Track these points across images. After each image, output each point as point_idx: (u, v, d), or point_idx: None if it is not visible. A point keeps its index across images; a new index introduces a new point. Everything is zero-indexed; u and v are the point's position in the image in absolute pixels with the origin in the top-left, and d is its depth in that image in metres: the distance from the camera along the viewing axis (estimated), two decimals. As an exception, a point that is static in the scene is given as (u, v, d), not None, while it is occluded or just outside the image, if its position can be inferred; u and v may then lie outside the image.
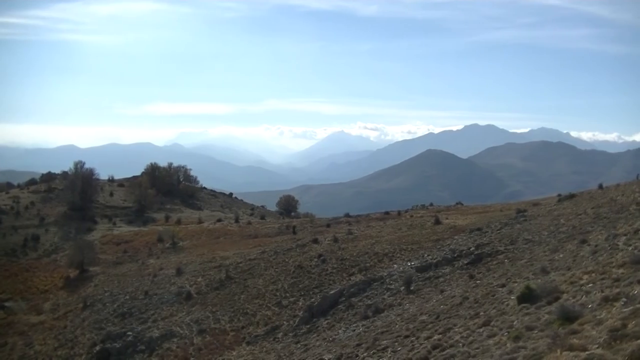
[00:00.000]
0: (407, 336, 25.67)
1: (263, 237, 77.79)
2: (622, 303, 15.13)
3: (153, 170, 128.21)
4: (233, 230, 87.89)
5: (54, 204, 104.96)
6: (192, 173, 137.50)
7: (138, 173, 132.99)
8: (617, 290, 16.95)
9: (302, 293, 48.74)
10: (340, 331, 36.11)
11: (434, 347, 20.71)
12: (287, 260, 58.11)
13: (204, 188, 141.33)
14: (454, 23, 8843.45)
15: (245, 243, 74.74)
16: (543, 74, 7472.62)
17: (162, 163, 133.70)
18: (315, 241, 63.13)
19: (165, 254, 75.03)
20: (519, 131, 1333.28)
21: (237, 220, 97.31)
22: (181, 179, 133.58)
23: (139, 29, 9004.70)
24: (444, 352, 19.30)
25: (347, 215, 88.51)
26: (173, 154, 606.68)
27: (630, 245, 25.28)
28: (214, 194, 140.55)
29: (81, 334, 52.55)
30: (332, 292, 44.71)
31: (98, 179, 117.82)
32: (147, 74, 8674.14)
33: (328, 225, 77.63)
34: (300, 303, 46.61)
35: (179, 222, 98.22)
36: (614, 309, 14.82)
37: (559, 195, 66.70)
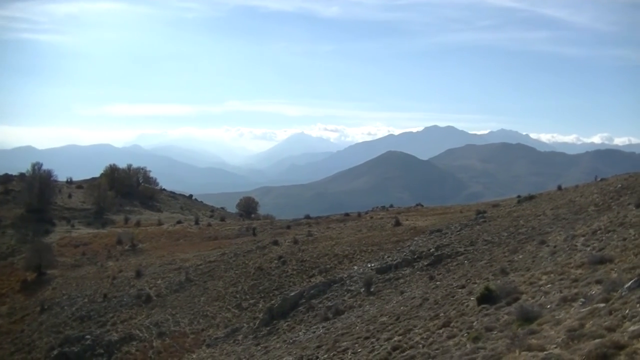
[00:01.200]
0: (367, 337, 25.72)
1: (223, 239, 77.31)
2: (580, 303, 15.31)
3: (112, 172, 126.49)
4: (193, 232, 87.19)
5: (11, 206, 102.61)
6: (152, 174, 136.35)
7: (97, 175, 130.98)
8: (576, 290, 17.15)
9: (262, 295, 48.59)
10: (300, 333, 36.08)
11: (394, 349, 20.77)
12: (247, 262, 57.84)
13: (164, 190, 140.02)
14: (415, 25, 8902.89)
15: (205, 245, 74.25)
16: (503, 76, 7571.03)
17: (122, 164, 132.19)
18: (276, 243, 62.98)
19: (124, 256, 73.95)
20: (478, 133, 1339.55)
21: (197, 222, 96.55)
22: (141, 181, 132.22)
23: (97, 29, 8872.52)
24: (404, 354, 19.36)
25: (307, 216, 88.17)
26: (132, 155, 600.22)
27: (588, 246, 25.65)
28: (173, 195, 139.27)
29: (39, 338, 51.56)
30: (292, 293, 44.64)
31: (56, 181, 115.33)
32: (106, 74, 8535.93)
33: (288, 227, 77.55)
34: (261, 305, 46.46)
35: (138, 224, 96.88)
36: (572, 309, 14.99)
37: (519, 196, 67.39)
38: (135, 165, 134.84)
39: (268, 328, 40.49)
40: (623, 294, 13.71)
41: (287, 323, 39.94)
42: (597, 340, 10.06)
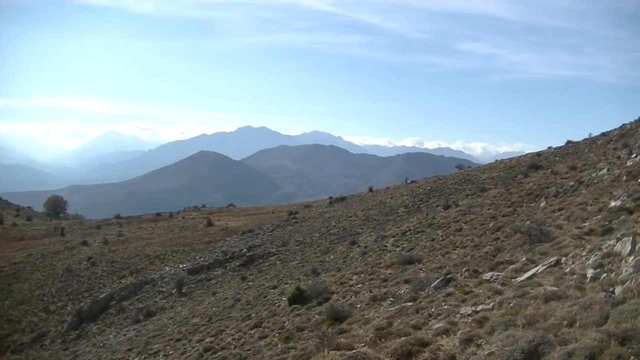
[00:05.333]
0: (179, 339, 25.31)
1: (29, 240, 73.44)
2: (389, 302, 15.83)
3: None
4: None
5: None
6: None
7: None
8: (385, 290, 17.75)
9: (71, 297, 46.72)
10: (111, 336, 35.01)
11: (206, 350, 20.53)
12: (54, 263, 55.44)
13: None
14: (229, 24, 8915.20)
15: (9, 246, 70.07)
16: (317, 78, 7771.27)
17: None
18: (85, 243, 60.94)
19: None
20: (292, 134, 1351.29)
21: (0, 222, 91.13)
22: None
23: None
24: (216, 355, 19.17)
25: (118, 216, 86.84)
26: None
27: (398, 246, 26.78)
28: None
29: None
30: (102, 295, 43.43)
31: None
32: None
33: (98, 227, 75.35)
34: (69, 308, 44.63)
35: None
36: (382, 308, 15.48)
37: (331, 197, 69.24)
38: None
39: (77, 332, 38.97)
40: (430, 292, 14.31)
41: (97, 326, 38.65)
42: (403, 338, 10.26)
